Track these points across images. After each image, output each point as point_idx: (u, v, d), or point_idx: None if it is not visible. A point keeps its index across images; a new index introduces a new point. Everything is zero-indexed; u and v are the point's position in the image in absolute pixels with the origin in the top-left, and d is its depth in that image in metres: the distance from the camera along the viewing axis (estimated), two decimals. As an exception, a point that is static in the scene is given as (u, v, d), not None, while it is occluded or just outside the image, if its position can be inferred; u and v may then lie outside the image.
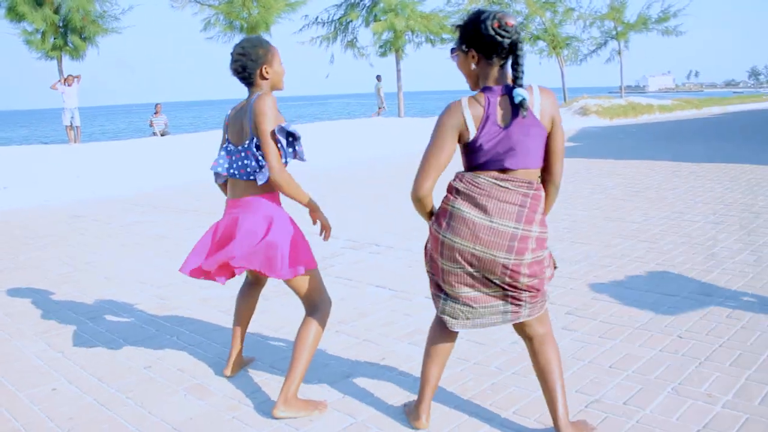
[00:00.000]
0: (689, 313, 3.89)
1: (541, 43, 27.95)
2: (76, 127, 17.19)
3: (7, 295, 4.98)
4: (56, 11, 17.71)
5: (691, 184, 8.50)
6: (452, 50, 2.51)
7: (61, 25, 18.01)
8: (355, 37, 26.56)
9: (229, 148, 2.94)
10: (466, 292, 2.44)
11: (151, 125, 18.76)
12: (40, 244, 6.80)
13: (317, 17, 26.00)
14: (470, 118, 2.34)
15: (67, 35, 18.11)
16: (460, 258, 2.38)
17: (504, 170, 2.38)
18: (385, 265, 5.40)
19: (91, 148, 14.80)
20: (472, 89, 2.50)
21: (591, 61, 29.87)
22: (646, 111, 25.32)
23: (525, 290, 2.40)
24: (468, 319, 2.48)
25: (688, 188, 8.22)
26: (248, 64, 2.84)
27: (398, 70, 26.18)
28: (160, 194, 9.93)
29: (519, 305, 2.44)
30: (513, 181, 2.37)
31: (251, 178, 2.85)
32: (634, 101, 26.27)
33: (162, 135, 18.55)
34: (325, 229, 3.08)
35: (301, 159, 2.88)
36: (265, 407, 2.96)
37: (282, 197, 2.98)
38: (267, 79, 2.88)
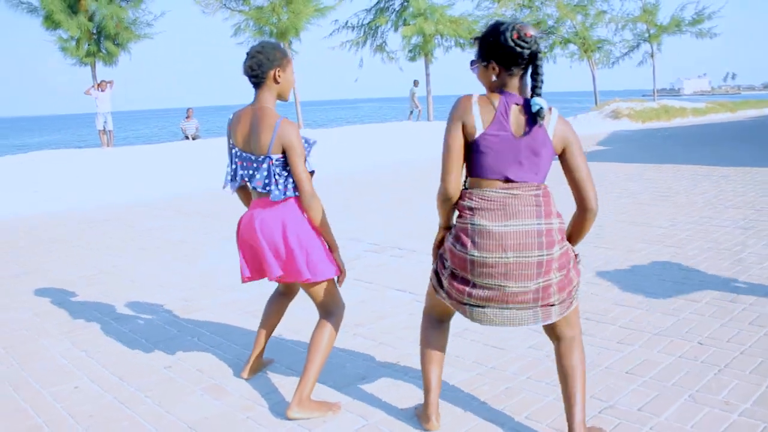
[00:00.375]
0: (711, 320, 3.83)
1: (572, 47, 27.72)
2: (109, 131, 17.55)
3: (34, 294, 5.11)
4: (90, 18, 18.12)
5: (721, 188, 8.36)
6: (472, 62, 2.51)
7: (95, 32, 18.43)
8: (385, 42, 26.71)
9: (242, 155, 2.92)
10: (494, 310, 2.44)
11: (183, 130, 19.04)
12: (68, 247, 6.95)
13: (347, 22, 26.20)
14: (478, 113, 2.35)
15: (100, 42, 18.53)
16: (494, 272, 2.36)
17: (507, 180, 2.38)
18: (406, 268, 5.41)
19: (124, 152, 15.09)
20: None
21: (623, 64, 29.59)
22: (679, 114, 24.96)
23: (556, 287, 2.39)
24: (496, 323, 2.48)
25: (719, 192, 8.08)
26: (264, 63, 2.86)
27: (427, 74, 26.22)
28: (191, 198, 10.07)
29: (550, 306, 2.42)
30: (521, 187, 2.38)
31: (267, 189, 2.88)
32: (667, 104, 25.91)
33: (193, 139, 18.82)
34: (341, 274, 3.02)
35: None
36: (280, 408, 3.00)
37: None
38: (278, 83, 2.90)
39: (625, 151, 14.06)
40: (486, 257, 2.35)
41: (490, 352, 3.53)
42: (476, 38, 2.46)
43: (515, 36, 2.31)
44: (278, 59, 2.89)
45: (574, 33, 27.17)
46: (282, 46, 3.00)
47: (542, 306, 2.41)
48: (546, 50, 27.84)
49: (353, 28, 26.39)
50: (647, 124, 22.83)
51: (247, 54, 2.91)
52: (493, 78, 2.40)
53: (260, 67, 2.87)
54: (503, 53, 2.34)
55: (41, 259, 6.39)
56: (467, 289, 2.44)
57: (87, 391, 3.31)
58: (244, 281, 3.09)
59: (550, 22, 27.17)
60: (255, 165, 2.88)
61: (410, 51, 25.68)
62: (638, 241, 5.84)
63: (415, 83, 25.05)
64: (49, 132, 68.36)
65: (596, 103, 27.76)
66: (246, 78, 2.95)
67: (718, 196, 7.82)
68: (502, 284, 2.36)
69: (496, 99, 2.37)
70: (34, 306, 4.83)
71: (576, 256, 2.54)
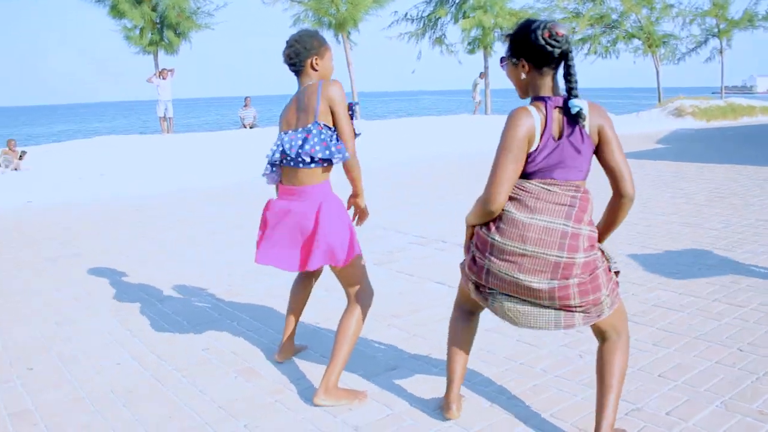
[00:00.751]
0: (755, 326, 3.71)
1: (636, 42, 27.01)
2: (169, 118, 18.06)
3: (88, 274, 5.34)
4: (154, 8, 18.67)
5: (783, 192, 8.05)
6: (502, 59, 2.49)
7: (157, 21, 18.97)
8: (444, 34, 26.62)
9: (288, 133, 2.95)
10: (512, 304, 2.43)
11: (241, 119, 19.36)
12: (123, 230, 7.21)
13: (406, 13, 26.19)
14: (538, 127, 2.33)
15: (163, 31, 19.07)
16: (509, 260, 2.35)
17: (552, 179, 2.38)
18: (449, 261, 5.40)
19: (183, 139, 15.48)
20: (521, 98, 2.47)
21: (690, 60, 28.61)
22: (747, 113, 24.06)
23: (577, 292, 2.34)
24: (516, 322, 2.47)
25: (779, 195, 7.78)
26: (301, 52, 2.94)
27: (486, 68, 26.00)
28: (247, 185, 10.29)
29: (571, 311, 2.40)
30: (560, 185, 2.36)
31: (311, 165, 2.89)
32: (735, 102, 24.97)
33: (251, 127, 19.15)
34: (362, 215, 3.19)
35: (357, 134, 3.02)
36: (308, 393, 3.06)
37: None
38: (316, 70, 2.97)
39: (684, 150, 13.66)
40: (505, 244, 2.36)
41: (522, 348, 3.52)
42: (507, 35, 2.45)
43: (546, 35, 2.29)
44: (315, 48, 2.95)
45: (639, 27, 26.46)
46: (321, 35, 3.05)
47: (564, 309, 2.39)
48: (609, 44, 27.22)
49: (413, 19, 26.38)
50: (712, 122, 22.08)
51: (286, 43, 2.99)
52: (523, 76, 2.39)
53: (297, 56, 2.94)
54: (534, 52, 2.32)
55: (98, 242, 6.66)
56: (483, 274, 2.44)
57: (128, 367, 3.46)
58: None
59: (614, 16, 26.54)
60: (302, 135, 2.88)
61: (469, 44, 25.52)
62: (689, 242, 5.69)
63: (481, 75, 24.69)
64: (114, 117, 70.74)
65: (659, 100, 27.01)
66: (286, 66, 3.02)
67: (778, 199, 7.54)
68: (514, 275, 2.35)
69: (543, 107, 2.35)
70: (86, 285, 5.04)
71: (616, 273, 2.50)
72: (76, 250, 6.26)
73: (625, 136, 16.97)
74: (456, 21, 25.38)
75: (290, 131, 2.95)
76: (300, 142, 2.88)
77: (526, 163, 2.36)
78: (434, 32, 26.58)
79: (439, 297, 4.48)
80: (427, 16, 26.23)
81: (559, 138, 2.34)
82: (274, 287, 4.80)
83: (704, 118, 22.21)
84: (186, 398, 3.08)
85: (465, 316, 2.80)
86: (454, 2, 25.76)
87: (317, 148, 2.86)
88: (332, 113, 2.89)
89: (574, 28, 26.07)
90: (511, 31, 2.42)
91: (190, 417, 2.91)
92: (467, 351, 2.79)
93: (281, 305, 4.41)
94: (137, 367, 3.45)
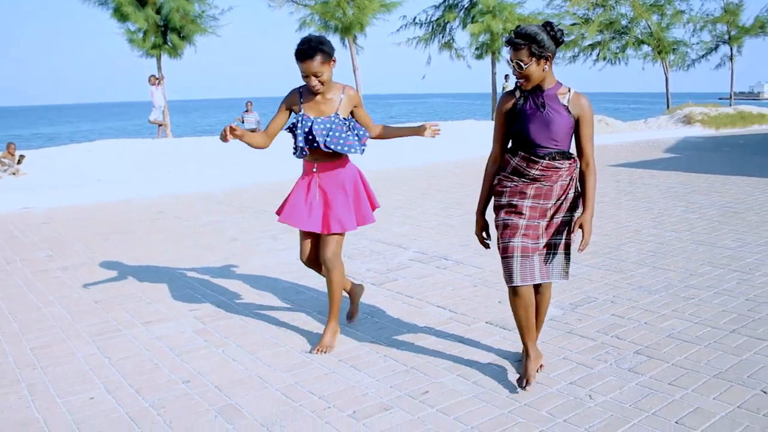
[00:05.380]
0: (778, 363, 3.44)
1: (646, 48, 26.73)
2: (164, 123, 17.92)
3: (76, 289, 5.10)
4: (158, 11, 18.43)
5: (799, 207, 7.76)
6: (519, 62, 2.94)
7: (161, 24, 18.75)
8: (452, 38, 26.43)
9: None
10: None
11: (242, 122, 19.05)
12: (119, 239, 6.98)
13: (415, 18, 26.06)
14: None
15: (166, 34, 18.83)
16: None
17: None
18: (451, 281, 5.14)
19: (181, 144, 15.24)
20: (527, 88, 3.05)
21: (699, 66, 28.34)
22: (757, 121, 23.73)
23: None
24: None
25: (796, 211, 7.50)
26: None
27: (494, 73, 25.85)
28: (245, 193, 10.06)
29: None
30: None
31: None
32: (744, 110, 24.63)
33: (253, 132, 18.87)
34: None
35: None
36: (293, 438, 2.81)
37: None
38: None
39: (694, 160, 13.36)
40: None
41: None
42: (526, 37, 2.91)
43: (561, 33, 3.06)
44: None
45: (649, 33, 26.17)
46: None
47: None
48: (618, 51, 26.92)
49: (421, 24, 26.21)
50: (721, 130, 21.77)
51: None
52: (545, 69, 3.00)
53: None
54: (556, 47, 3.04)
55: (91, 251, 6.42)
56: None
57: (101, 403, 3.20)
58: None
59: (624, 22, 26.27)
60: None
61: (477, 49, 25.32)
62: (702, 263, 5.41)
63: (506, 78, 24.20)
64: (108, 119, 71.35)
65: (668, 107, 26.71)
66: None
67: (795, 216, 7.25)
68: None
69: None
70: (72, 303, 4.81)
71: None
72: (67, 263, 6.02)
73: (632, 144, 16.76)
74: (464, 26, 25.17)
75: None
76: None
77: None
78: (443, 37, 26.38)
79: (439, 323, 4.21)
80: (436, 20, 26.03)
81: None
82: (263, 310, 4.56)
83: (713, 126, 21.89)
84: (159, 442, 2.83)
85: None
86: (463, 7, 25.55)
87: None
88: None
89: (583, 34, 25.83)
90: (527, 34, 2.89)
91: (162, 465, 2.66)
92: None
93: (269, 330, 4.16)
94: (111, 403, 3.19)
